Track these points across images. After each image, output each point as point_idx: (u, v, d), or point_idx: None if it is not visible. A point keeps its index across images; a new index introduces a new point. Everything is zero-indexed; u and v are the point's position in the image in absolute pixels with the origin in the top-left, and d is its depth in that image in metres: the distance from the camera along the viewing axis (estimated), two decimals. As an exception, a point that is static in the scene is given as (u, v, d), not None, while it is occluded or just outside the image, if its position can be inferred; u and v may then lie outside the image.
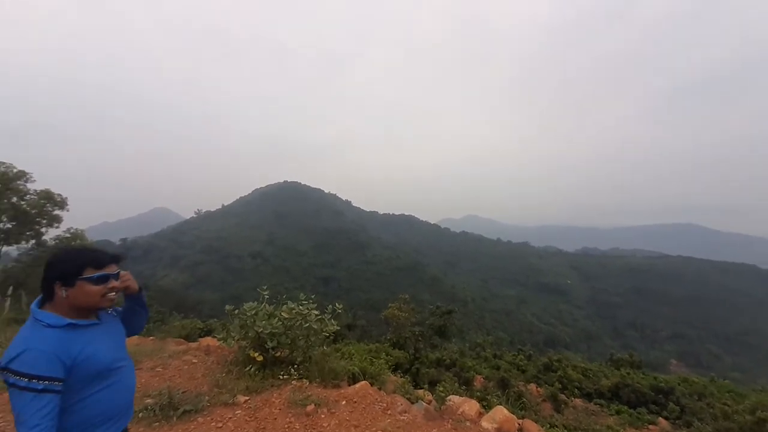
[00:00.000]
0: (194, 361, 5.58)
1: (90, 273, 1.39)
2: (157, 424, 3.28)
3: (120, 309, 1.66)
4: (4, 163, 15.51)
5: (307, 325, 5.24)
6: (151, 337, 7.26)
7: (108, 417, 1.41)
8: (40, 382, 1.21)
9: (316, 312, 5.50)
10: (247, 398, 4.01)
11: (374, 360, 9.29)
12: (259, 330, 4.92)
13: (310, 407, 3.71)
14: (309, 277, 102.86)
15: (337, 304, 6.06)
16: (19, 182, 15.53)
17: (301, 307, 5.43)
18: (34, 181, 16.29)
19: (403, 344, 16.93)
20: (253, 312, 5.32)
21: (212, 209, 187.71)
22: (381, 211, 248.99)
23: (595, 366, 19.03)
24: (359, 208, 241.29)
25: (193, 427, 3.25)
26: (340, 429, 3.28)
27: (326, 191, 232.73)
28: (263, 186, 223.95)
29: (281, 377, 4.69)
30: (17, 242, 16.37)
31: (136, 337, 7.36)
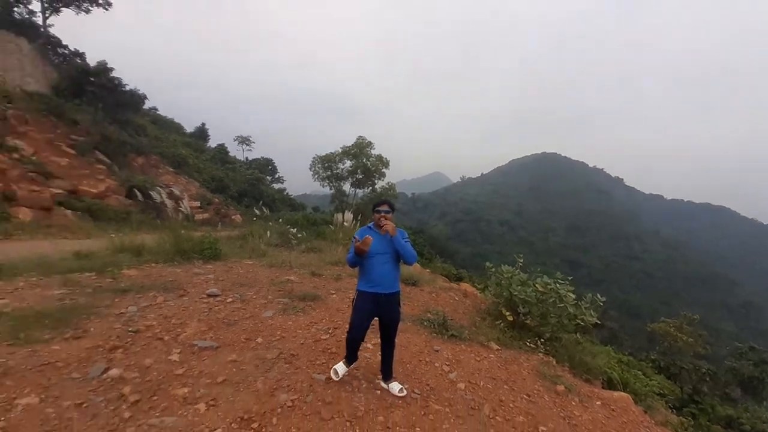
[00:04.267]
0: (456, 298, 6.52)
1: (378, 208, 2.67)
2: (435, 335, 4.15)
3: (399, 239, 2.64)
4: (361, 136, 22.87)
5: (563, 305, 4.88)
6: (428, 270, 9.14)
7: (371, 278, 2.60)
8: (354, 238, 2.58)
9: (573, 295, 5.01)
10: (499, 348, 4.30)
11: (630, 374, 7.48)
12: (515, 293, 5.06)
13: (560, 387, 3.54)
14: (553, 256, 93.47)
15: (598, 296, 5.26)
16: (367, 149, 22.59)
17: (558, 285, 5.10)
18: (374, 148, 23.16)
19: (676, 375, 12.67)
20: (509, 275, 5.51)
21: (473, 176, 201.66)
22: (668, 196, 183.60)
23: None
24: (634, 188, 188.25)
25: (458, 350, 3.88)
26: (595, 428, 2.95)
27: (590, 165, 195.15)
28: (520, 157, 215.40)
29: (528, 344, 4.70)
30: (362, 188, 24.34)
31: (420, 266, 9.49)
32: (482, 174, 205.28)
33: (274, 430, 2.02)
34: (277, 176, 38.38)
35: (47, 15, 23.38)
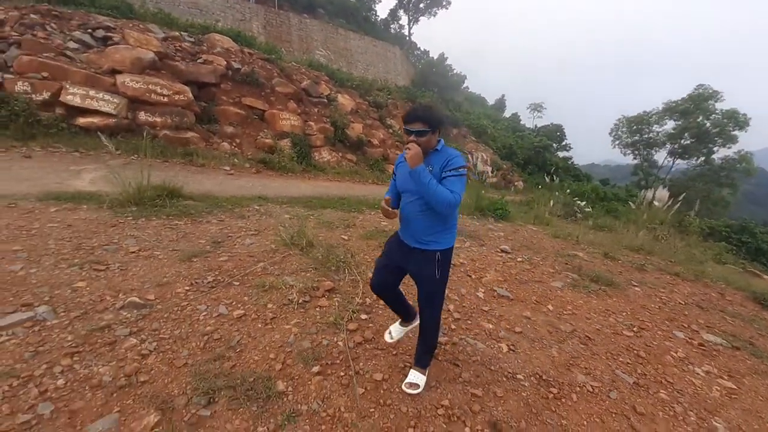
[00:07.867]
0: None
1: (406, 127, 1.54)
2: None
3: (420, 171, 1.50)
4: (703, 85, 15.14)
5: None
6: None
7: (400, 218, 1.73)
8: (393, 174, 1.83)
9: None
10: None
11: None
12: None
13: None
14: None
15: None
16: (709, 102, 14.78)
17: None
18: (723, 100, 14.81)
19: None
20: None
21: None
22: None
23: None
24: None
25: None
26: None
27: None
28: None
29: None
30: (687, 157, 16.70)
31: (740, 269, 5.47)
32: None
33: (574, 406, 1.88)
34: (563, 143, 33.84)
35: (411, 25, 31.17)
